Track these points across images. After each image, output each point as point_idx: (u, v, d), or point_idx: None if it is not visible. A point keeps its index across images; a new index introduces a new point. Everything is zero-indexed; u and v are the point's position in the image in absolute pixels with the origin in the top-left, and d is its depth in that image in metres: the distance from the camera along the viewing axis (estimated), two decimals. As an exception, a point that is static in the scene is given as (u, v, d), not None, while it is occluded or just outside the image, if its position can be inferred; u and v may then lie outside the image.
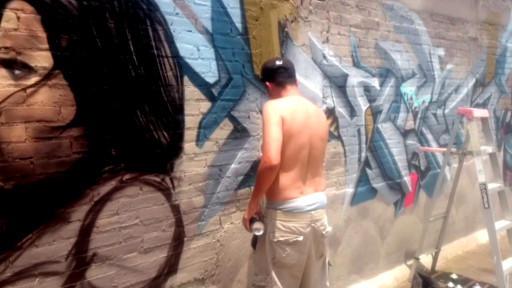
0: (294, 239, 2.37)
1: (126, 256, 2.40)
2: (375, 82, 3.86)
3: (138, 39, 2.37)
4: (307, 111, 2.48)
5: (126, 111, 2.34)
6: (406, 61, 4.17)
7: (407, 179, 4.30)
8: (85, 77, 2.18)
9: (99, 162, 2.26)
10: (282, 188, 2.39)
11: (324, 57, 3.41)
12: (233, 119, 2.84)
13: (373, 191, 3.96)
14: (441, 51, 4.58)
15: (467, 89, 5.03)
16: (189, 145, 2.63)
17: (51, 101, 2.08)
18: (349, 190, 3.72)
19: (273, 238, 2.39)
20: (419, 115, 4.42)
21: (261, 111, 2.80)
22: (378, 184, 3.99)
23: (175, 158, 2.57)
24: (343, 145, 3.62)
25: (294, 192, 2.40)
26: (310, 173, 2.48)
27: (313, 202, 2.44)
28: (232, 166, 2.85)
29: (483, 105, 5.30)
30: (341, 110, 3.57)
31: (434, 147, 4.61)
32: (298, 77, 2.87)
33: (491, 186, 3.79)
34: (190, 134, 2.63)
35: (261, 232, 2.41)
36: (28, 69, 2.01)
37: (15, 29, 1.96)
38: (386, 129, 4.03)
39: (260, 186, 2.37)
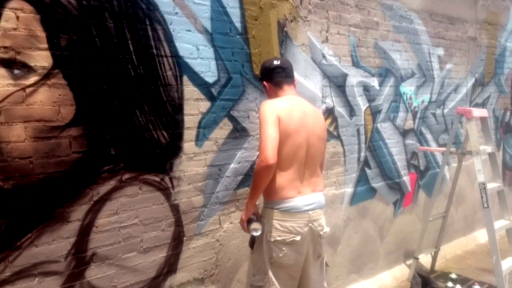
0: (291, 239, 2.37)
1: (126, 256, 2.40)
2: (374, 82, 3.87)
3: (137, 39, 2.37)
4: (304, 111, 2.48)
5: (125, 111, 2.34)
6: (405, 61, 4.17)
7: (406, 178, 4.30)
8: (85, 76, 2.18)
9: (99, 161, 2.26)
10: (279, 187, 2.39)
11: (324, 56, 3.41)
12: (232, 119, 2.84)
13: (373, 191, 3.96)
14: (440, 51, 4.58)
15: (467, 89, 5.03)
16: (188, 145, 2.63)
17: (50, 100, 2.08)
18: (349, 189, 3.72)
19: (270, 237, 2.38)
20: (418, 115, 4.42)
21: (260, 111, 2.80)
22: (378, 183, 3.99)
23: (174, 158, 2.57)
24: (342, 145, 3.62)
25: (292, 191, 2.40)
26: (308, 172, 2.47)
27: (311, 202, 2.44)
28: (232, 165, 2.85)
29: (482, 104, 5.31)
30: (340, 109, 3.57)
31: (433, 146, 4.61)
32: (298, 76, 2.88)
33: (490, 185, 3.80)
34: (189, 134, 2.63)
35: (259, 233, 2.41)
36: (28, 69, 2.01)
37: (15, 29, 1.96)
38: (386, 128, 4.03)
39: (257, 185, 2.37)
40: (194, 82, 2.63)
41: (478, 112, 3.94)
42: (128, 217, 2.39)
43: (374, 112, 3.89)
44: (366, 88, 3.80)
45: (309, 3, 3.28)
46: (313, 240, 2.47)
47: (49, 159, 2.08)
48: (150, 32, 2.42)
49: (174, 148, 2.57)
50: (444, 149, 4.20)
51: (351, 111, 3.67)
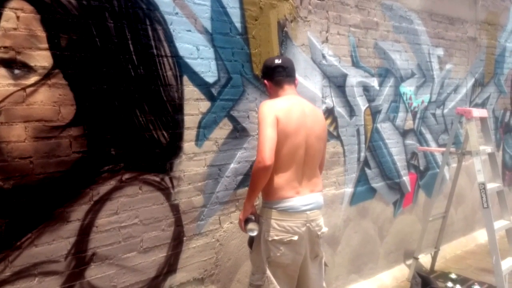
0: (289, 238, 2.37)
1: (126, 256, 2.40)
2: (374, 82, 3.87)
3: (137, 39, 2.37)
4: (303, 111, 2.48)
5: (125, 111, 2.35)
6: (405, 61, 4.17)
7: (406, 179, 4.31)
8: (85, 76, 2.18)
9: (99, 161, 2.26)
10: (277, 187, 2.39)
11: (324, 57, 3.41)
12: (232, 119, 2.84)
13: (372, 191, 3.96)
14: (440, 51, 4.58)
15: (466, 89, 5.04)
16: (188, 145, 2.63)
17: (50, 100, 2.08)
18: (348, 190, 3.72)
19: (268, 237, 2.39)
20: (418, 115, 4.42)
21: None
22: (377, 184, 3.99)
23: (174, 158, 2.57)
24: (342, 145, 3.62)
25: (290, 192, 2.40)
26: (307, 173, 2.48)
27: (309, 202, 2.44)
28: (232, 165, 2.86)
29: (482, 105, 5.31)
30: (340, 110, 3.57)
31: (433, 147, 4.61)
32: (298, 77, 2.87)
33: (490, 186, 3.80)
34: (189, 134, 2.63)
35: (254, 233, 2.42)
36: (28, 69, 2.01)
37: (15, 29, 1.96)
38: (385, 129, 4.04)
39: (255, 186, 2.37)
40: (194, 82, 2.63)
41: (478, 112, 3.94)
42: (128, 217, 2.39)
43: (374, 112, 3.89)
44: (366, 88, 3.80)
45: (309, 3, 3.28)
46: (310, 240, 2.47)
47: (49, 159, 2.08)
48: (150, 32, 2.42)
49: (174, 148, 2.57)
50: (444, 149, 4.20)
51: (351, 111, 3.68)
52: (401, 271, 4.27)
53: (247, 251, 2.89)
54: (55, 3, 2.07)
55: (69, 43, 2.12)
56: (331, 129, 3.50)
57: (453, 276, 4.20)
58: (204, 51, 2.66)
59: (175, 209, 2.59)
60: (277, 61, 2.55)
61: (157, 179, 2.50)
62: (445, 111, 4.76)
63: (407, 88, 4.23)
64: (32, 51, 2.01)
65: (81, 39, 2.16)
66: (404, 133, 4.26)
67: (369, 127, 3.86)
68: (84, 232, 2.23)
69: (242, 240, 2.92)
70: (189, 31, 2.59)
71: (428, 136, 4.58)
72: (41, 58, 2.04)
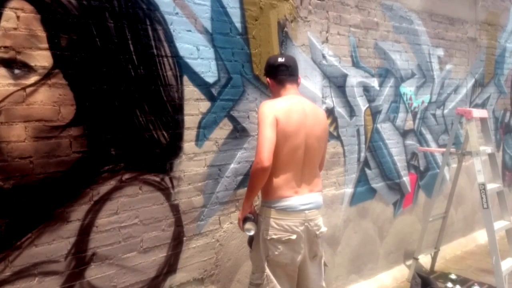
0: (287, 237, 2.37)
1: (126, 256, 2.40)
2: (374, 82, 3.87)
3: (137, 39, 2.37)
4: (304, 111, 2.47)
5: (125, 111, 2.34)
6: (405, 61, 4.17)
7: (406, 179, 4.31)
8: (85, 76, 2.18)
9: (99, 161, 2.26)
10: (276, 187, 2.39)
11: (324, 57, 3.41)
12: (232, 119, 2.84)
13: (372, 191, 3.96)
14: (440, 51, 4.58)
15: (466, 90, 5.04)
16: (188, 145, 2.63)
17: (50, 100, 2.08)
18: (348, 190, 3.72)
19: (266, 235, 2.39)
20: (418, 115, 4.42)
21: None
22: (377, 184, 3.99)
23: (174, 158, 2.57)
24: (342, 145, 3.62)
25: (289, 191, 2.41)
26: (306, 173, 2.47)
27: (308, 202, 2.44)
28: (232, 166, 2.86)
29: (482, 105, 5.31)
30: (340, 110, 3.57)
31: (433, 147, 4.61)
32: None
33: (490, 186, 3.80)
34: (189, 134, 2.63)
35: (252, 233, 2.43)
36: (28, 69, 2.01)
37: (15, 29, 1.96)
38: (386, 129, 4.04)
39: (253, 186, 2.38)
40: (194, 82, 2.63)
41: (478, 113, 3.94)
42: (128, 217, 2.39)
43: (374, 113, 3.89)
44: (366, 89, 3.80)
45: (309, 4, 3.28)
46: (309, 239, 2.47)
47: (49, 159, 2.08)
48: (150, 32, 2.42)
49: (174, 148, 2.57)
50: (444, 149, 4.20)
51: (351, 112, 3.68)
52: (401, 272, 4.27)
53: (247, 251, 2.90)
54: (55, 3, 2.07)
55: (69, 43, 2.12)
56: (331, 129, 3.50)
57: (453, 276, 4.20)
58: (204, 51, 2.66)
59: (175, 209, 2.59)
60: (280, 60, 2.55)
61: (157, 179, 2.50)
62: (445, 111, 4.76)
63: (407, 89, 4.23)
64: (32, 51, 2.01)
65: (81, 39, 2.16)
66: (404, 134, 4.26)
67: (369, 127, 3.86)
68: (84, 232, 2.23)
69: (242, 240, 2.92)
70: (189, 31, 2.59)
71: (428, 137, 4.58)
72: (41, 58, 2.04)
